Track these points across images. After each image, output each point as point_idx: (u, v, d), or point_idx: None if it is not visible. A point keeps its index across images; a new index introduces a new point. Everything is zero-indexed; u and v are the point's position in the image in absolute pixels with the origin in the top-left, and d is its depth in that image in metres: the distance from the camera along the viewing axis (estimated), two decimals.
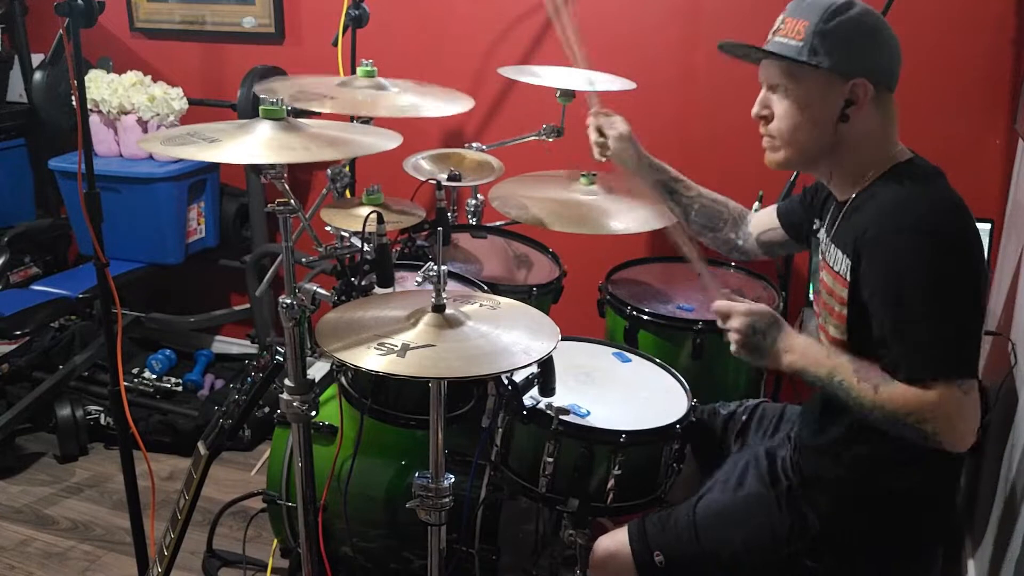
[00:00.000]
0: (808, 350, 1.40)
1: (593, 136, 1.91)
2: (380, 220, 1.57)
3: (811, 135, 1.40)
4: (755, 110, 1.46)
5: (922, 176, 1.37)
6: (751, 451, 1.65)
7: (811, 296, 1.60)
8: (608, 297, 2.15)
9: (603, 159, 1.92)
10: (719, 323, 1.47)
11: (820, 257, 1.51)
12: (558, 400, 1.61)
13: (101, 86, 2.89)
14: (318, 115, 2.29)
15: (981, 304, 1.33)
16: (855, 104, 1.36)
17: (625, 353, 1.91)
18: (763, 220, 1.80)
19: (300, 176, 3.17)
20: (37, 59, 3.24)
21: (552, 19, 2.05)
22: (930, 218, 1.30)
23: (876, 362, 1.33)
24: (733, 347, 1.45)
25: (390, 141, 1.55)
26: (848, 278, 1.36)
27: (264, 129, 1.46)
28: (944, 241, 1.28)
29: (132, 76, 2.93)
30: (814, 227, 1.58)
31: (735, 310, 1.44)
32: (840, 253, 1.40)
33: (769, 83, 1.43)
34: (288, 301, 1.55)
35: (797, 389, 2.11)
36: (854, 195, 1.42)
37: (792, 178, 2.21)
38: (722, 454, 1.75)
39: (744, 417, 1.78)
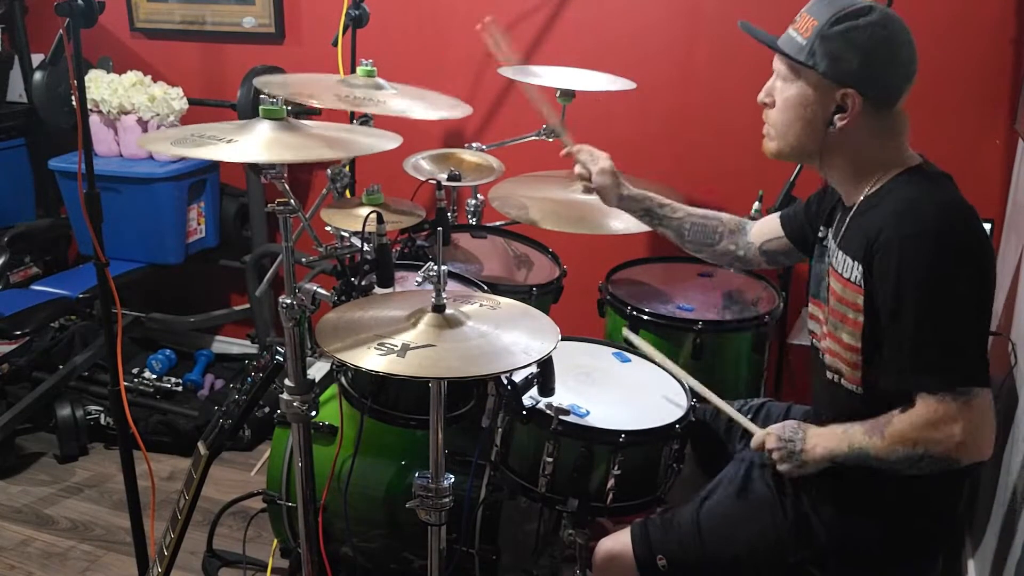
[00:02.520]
0: (828, 436, 1.42)
1: (577, 169, 1.90)
2: (380, 220, 1.57)
3: (801, 133, 1.41)
4: (761, 96, 1.47)
5: (930, 181, 1.37)
6: (755, 452, 1.64)
7: (808, 301, 1.60)
8: (608, 297, 2.15)
9: (588, 194, 1.94)
10: (766, 456, 1.50)
11: (827, 264, 1.50)
12: (558, 400, 1.61)
13: (101, 86, 2.89)
14: (318, 114, 2.29)
15: (987, 311, 1.33)
16: (844, 112, 1.36)
17: (625, 353, 1.91)
18: (765, 229, 1.78)
19: (300, 176, 3.17)
20: (37, 59, 3.24)
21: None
22: (936, 224, 1.29)
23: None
24: (779, 467, 1.48)
25: (390, 141, 1.55)
26: (862, 285, 1.36)
27: (264, 128, 1.45)
28: (950, 247, 1.28)
29: (132, 76, 2.93)
30: (819, 235, 1.58)
31: (766, 437, 1.49)
32: (849, 259, 1.40)
33: (779, 72, 1.44)
34: (288, 301, 1.55)
35: (797, 390, 2.11)
36: (860, 199, 1.41)
37: (792, 178, 2.20)
38: (724, 454, 1.75)
39: (749, 415, 1.77)
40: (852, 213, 1.43)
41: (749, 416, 1.78)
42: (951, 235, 1.29)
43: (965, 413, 1.26)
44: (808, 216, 1.66)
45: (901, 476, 1.38)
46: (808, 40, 1.35)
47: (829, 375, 1.49)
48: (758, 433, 1.52)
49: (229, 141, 1.40)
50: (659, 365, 1.82)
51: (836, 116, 1.37)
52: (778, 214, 1.77)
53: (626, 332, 1.92)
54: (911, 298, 1.28)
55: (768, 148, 1.48)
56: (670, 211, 1.85)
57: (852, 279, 1.38)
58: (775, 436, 1.47)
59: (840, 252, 1.44)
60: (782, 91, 1.42)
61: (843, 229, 1.45)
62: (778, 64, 1.43)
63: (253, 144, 1.42)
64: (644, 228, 2.06)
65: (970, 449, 1.28)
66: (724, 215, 1.85)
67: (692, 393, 1.72)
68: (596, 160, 1.87)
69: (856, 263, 1.37)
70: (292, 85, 1.86)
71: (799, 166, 2.19)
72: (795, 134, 1.42)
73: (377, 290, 1.60)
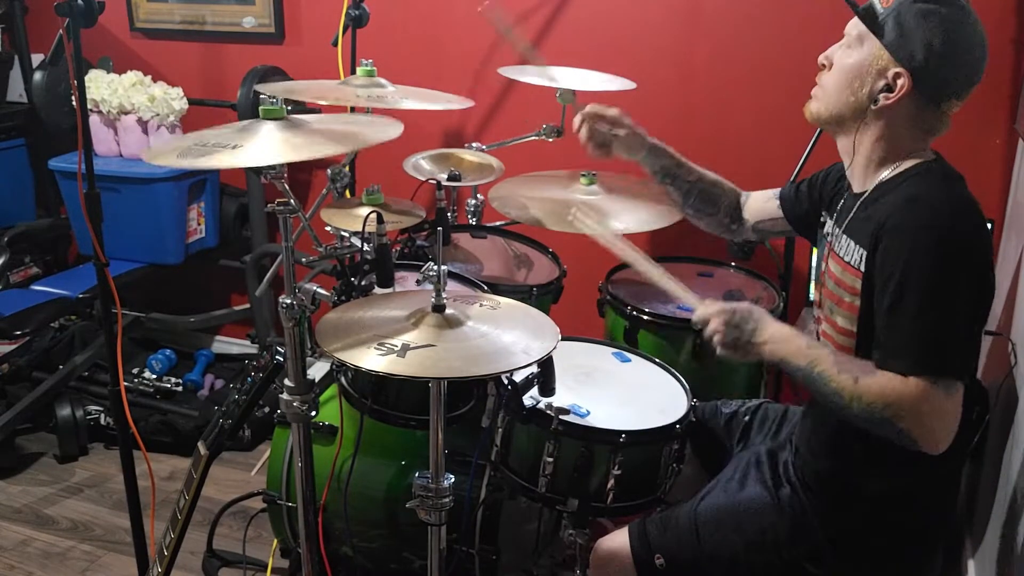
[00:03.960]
0: (788, 340, 1.39)
1: (585, 134, 1.84)
2: (380, 220, 1.57)
3: (845, 102, 1.40)
4: (820, 57, 1.46)
5: (944, 177, 1.37)
6: (753, 452, 1.64)
7: (811, 292, 1.60)
8: (608, 297, 2.15)
9: (599, 155, 1.86)
10: (704, 333, 1.47)
11: (827, 248, 1.51)
12: (558, 400, 1.61)
13: (101, 86, 2.89)
14: (318, 111, 2.29)
15: (982, 310, 1.33)
16: (891, 92, 1.35)
17: (625, 353, 1.91)
18: (763, 208, 1.79)
19: (300, 176, 3.17)
20: (37, 59, 3.24)
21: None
22: (946, 219, 1.29)
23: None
24: (718, 349, 1.45)
25: (393, 129, 1.54)
26: (862, 268, 1.36)
27: (267, 130, 1.45)
28: (956, 242, 1.28)
29: (132, 76, 2.93)
30: (821, 220, 1.58)
31: (710, 313, 1.45)
32: (853, 243, 1.40)
33: (848, 39, 1.42)
34: (288, 301, 1.55)
35: (797, 391, 2.11)
36: (873, 186, 1.41)
37: (792, 178, 2.20)
38: (724, 454, 1.75)
39: (747, 417, 1.78)
40: (863, 199, 1.43)
41: (746, 418, 1.78)
42: (958, 230, 1.29)
43: (944, 404, 1.25)
44: (811, 198, 1.66)
45: (896, 471, 1.38)
46: (887, 9, 1.34)
47: None
48: (701, 308, 1.48)
49: (234, 147, 1.39)
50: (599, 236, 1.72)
51: (882, 94, 1.36)
52: (773, 194, 1.77)
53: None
54: (913, 285, 1.28)
55: (810, 108, 1.47)
56: (686, 172, 1.83)
57: (852, 263, 1.39)
58: (722, 320, 1.43)
59: (845, 236, 1.44)
60: (843, 56, 1.41)
61: (850, 215, 1.44)
62: (849, 29, 1.42)
63: (259, 148, 1.41)
64: (645, 228, 2.06)
65: (927, 435, 1.25)
66: (727, 185, 1.84)
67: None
68: (622, 120, 1.84)
69: (859, 247, 1.38)
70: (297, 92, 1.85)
71: (800, 166, 2.19)
72: (839, 101, 1.41)
73: (377, 290, 1.60)
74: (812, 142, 2.20)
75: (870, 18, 1.35)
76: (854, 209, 1.44)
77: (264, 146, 1.42)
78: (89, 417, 2.86)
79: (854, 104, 1.39)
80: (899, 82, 1.34)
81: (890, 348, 1.30)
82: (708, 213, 1.84)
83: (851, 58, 1.39)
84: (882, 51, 1.34)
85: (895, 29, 1.33)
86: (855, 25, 1.40)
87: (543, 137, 2.40)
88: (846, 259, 1.41)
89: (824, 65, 1.45)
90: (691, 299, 1.54)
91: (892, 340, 1.30)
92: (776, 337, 1.40)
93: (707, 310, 1.46)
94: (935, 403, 1.25)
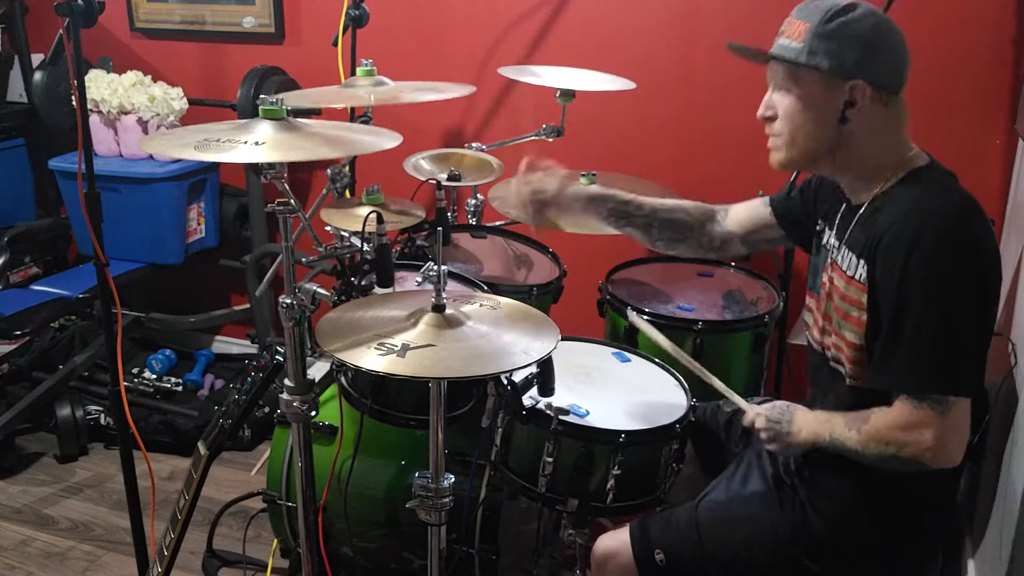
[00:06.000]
0: (812, 422, 1.44)
1: (523, 207, 1.70)
2: (380, 220, 1.57)
3: (813, 136, 1.40)
4: (760, 111, 1.45)
5: (937, 182, 1.37)
6: (754, 449, 1.65)
7: (806, 296, 1.60)
8: (608, 297, 2.15)
9: (539, 228, 1.74)
10: (755, 432, 1.53)
11: (828, 260, 1.50)
12: (558, 400, 1.61)
13: (101, 86, 2.89)
14: (318, 114, 2.29)
15: (989, 317, 1.33)
16: (854, 106, 1.36)
17: (625, 353, 1.91)
18: (752, 217, 1.73)
19: (300, 176, 3.17)
20: (37, 59, 3.24)
21: None
22: (939, 228, 1.29)
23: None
24: (768, 446, 1.50)
25: (391, 140, 1.55)
26: (867, 283, 1.36)
27: (265, 129, 1.45)
28: (952, 252, 1.28)
29: (132, 76, 2.93)
30: (818, 228, 1.58)
31: (756, 416, 1.51)
32: (855, 258, 1.40)
33: (775, 84, 1.43)
34: (288, 301, 1.55)
35: (798, 390, 2.11)
36: (871, 199, 1.41)
37: (792, 178, 2.20)
38: (724, 454, 1.75)
39: None
40: (860, 213, 1.42)
41: None
42: (957, 240, 1.29)
43: (938, 421, 1.28)
44: (805, 205, 1.64)
45: (896, 471, 1.38)
46: (804, 43, 1.34)
47: (826, 367, 1.49)
48: (749, 411, 1.53)
49: (257, 144, 1.40)
50: (662, 348, 1.73)
51: (847, 112, 1.36)
52: (762, 202, 1.72)
53: (632, 316, 1.88)
54: (910, 301, 1.28)
55: (777, 160, 1.46)
56: (635, 208, 1.72)
57: (857, 277, 1.39)
58: (764, 416, 1.49)
59: (846, 249, 1.44)
60: (782, 100, 1.41)
61: (849, 228, 1.44)
62: (773, 75, 1.42)
63: (283, 142, 1.42)
64: None
65: (938, 456, 1.29)
66: (688, 204, 1.75)
67: (693, 378, 1.68)
68: (543, 181, 1.69)
69: (861, 260, 1.38)
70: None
71: (795, 174, 2.18)
72: (804, 138, 1.40)
73: (377, 290, 1.60)
74: None
75: (795, 57, 1.35)
76: (852, 223, 1.44)
77: (289, 142, 1.42)
78: (89, 417, 2.86)
79: (820, 134, 1.39)
80: (858, 93, 1.35)
81: (894, 371, 1.31)
82: (678, 239, 1.74)
83: (792, 97, 1.39)
84: (825, 77, 1.35)
85: (827, 54, 1.33)
86: (775, 71, 1.41)
87: (543, 137, 2.40)
88: (849, 272, 1.41)
89: (768, 116, 1.44)
90: (741, 402, 1.59)
91: (895, 362, 1.31)
92: (805, 423, 1.45)
93: (753, 411, 1.52)
94: (939, 428, 1.28)
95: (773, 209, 1.70)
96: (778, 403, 1.51)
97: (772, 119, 1.44)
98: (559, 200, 1.69)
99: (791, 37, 1.37)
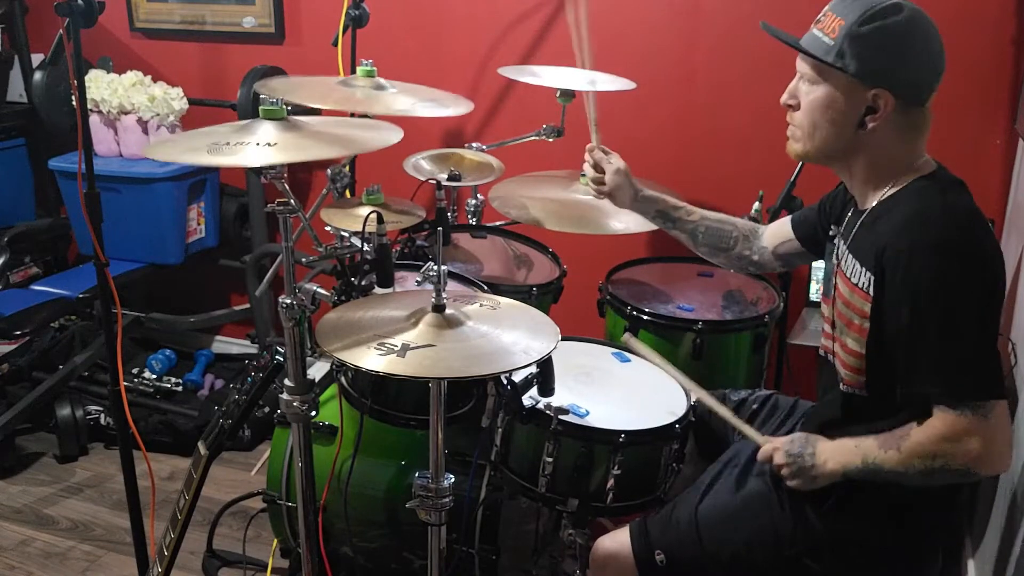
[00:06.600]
0: (840, 450, 1.41)
1: (589, 173, 1.90)
2: (380, 220, 1.57)
3: (829, 135, 1.39)
4: (784, 98, 1.45)
5: (942, 189, 1.36)
6: (755, 446, 1.64)
7: (818, 296, 1.60)
8: (608, 297, 2.15)
9: (601, 196, 1.91)
10: (776, 469, 1.49)
11: (836, 263, 1.50)
12: (557, 400, 1.61)
13: (101, 86, 2.89)
14: (319, 113, 2.29)
15: (995, 321, 1.32)
16: (875, 113, 1.34)
17: (625, 353, 1.91)
18: (778, 232, 1.78)
19: (300, 176, 3.18)
20: (37, 59, 3.24)
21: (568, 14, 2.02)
22: (943, 235, 1.28)
23: (891, 376, 1.33)
24: (790, 482, 1.47)
25: (394, 134, 1.55)
26: (871, 293, 1.35)
27: (268, 129, 1.45)
28: (957, 258, 1.27)
29: (132, 76, 2.93)
30: (830, 233, 1.58)
31: (773, 449, 1.48)
32: (859, 265, 1.39)
33: (801, 73, 1.42)
34: (288, 301, 1.55)
35: (797, 391, 2.10)
36: (875, 204, 1.40)
37: (792, 178, 2.20)
38: (726, 445, 1.74)
39: (755, 406, 1.76)
40: (864, 218, 1.42)
41: (755, 406, 1.78)
42: (958, 246, 1.28)
43: (983, 426, 1.25)
44: (821, 218, 1.65)
45: (941, 484, 1.38)
46: (836, 40, 1.32)
47: (834, 376, 1.49)
48: (765, 446, 1.51)
49: (269, 144, 1.40)
50: (663, 369, 1.80)
51: (867, 117, 1.35)
52: (789, 217, 1.76)
53: (627, 337, 1.91)
54: (925, 311, 1.27)
55: (793, 150, 1.46)
56: (684, 214, 1.84)
57: (860, 285, 1.38)
58: (783, 452, 1.46)
59: (849, 255, 1.43)
60: (807, 93, 1.40)
61: (854, 231, 1.44)
62: (802, 65, 1.41)
63: (288, 144, 1.42)
64: (645, 228, 2.06)
65: (987, 462, 1.27)
66: (738, 220, 1.83)
67: (696, 401, 1.70)
68: (611, 159, 1.87)
69: (865, 270, 1.37)
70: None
71: (800, 166, 2.19)
72: (822, 136, 1.40)
73: (377, 290, 1.60)
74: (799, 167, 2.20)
75: (824, 54, 1.34)
76: (857, 226, 1.43)
77: (295, 142, 1.42)
78: (89, 417, 2.86)
79: (838, 135, 1.38)
80: (881, 102, 1.33)
81: (927, 383, 1.29)
82: (722, 250, 1.82)
83: (817, 93, 1.38)
84: (850, 80, 1.34)
85: (855, 58, 1.32)
86: (803, 60, 1.40)
87: (543, 137, 2.40)
88: (853, 280, 1.40)
89: (791, 105, 1.44)
90: (755, 435, 1.57)
91: (925, 374, 1.29)
92: (831, 452, 1.42)
93: (769, 447, 1.50)
94: (984, 434, 1.25)
95: (792, 223, 1.74)
96: (796, 435, 1.48)
97: (794, 108, 1.43)
98: (617, 178, 1.84)
99: (824, 31, 1.35)
